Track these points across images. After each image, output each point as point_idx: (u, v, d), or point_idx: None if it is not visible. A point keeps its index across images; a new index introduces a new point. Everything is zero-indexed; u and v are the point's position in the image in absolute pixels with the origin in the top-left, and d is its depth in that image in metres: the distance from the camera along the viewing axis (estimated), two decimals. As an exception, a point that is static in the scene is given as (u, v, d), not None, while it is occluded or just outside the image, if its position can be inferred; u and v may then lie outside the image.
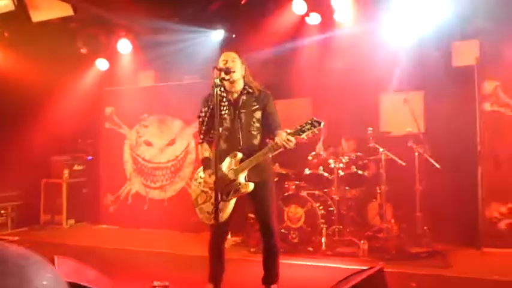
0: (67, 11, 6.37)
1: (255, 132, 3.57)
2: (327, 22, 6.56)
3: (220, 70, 3.42)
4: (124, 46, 7.31)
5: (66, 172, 7.83)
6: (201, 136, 3.67)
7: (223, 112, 3.55)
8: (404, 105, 5.69)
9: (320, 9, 6.45)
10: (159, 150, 7.42)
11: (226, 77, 3.47)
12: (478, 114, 5.74)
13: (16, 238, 6.75)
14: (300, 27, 6.64)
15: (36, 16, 6.22)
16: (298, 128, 3.26)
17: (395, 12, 6.15)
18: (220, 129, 3.52)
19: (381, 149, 5.49)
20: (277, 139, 3.32)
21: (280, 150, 3.38)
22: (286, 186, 5.77)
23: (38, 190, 7.84)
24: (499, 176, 5.52)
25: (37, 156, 7.42)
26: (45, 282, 0.56)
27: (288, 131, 3.30)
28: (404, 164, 5.46)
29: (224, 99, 3.58)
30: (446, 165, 5.45)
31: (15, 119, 7.16)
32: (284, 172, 6.01)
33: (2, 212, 7.21)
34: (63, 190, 7.70)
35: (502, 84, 5.66)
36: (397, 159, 5.49)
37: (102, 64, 7.70)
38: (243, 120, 3.56)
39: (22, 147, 7.09)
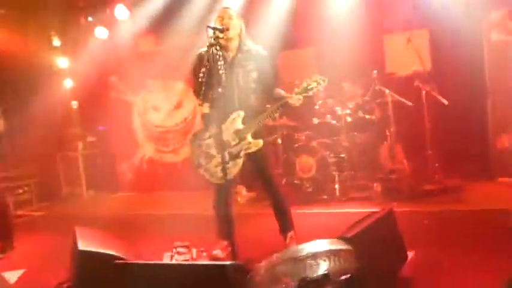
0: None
1: (250, 92, 3.57)
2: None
3: (214, 29, 3.34)
4: (122, 13, 7.23)
5: (80, 144, 7.99)
6: (200, 97, 3.65)
7: (220, 72, 3.52)
8: (409, 45, 5.58)
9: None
10: (167, 114, 7.49)
11: (221, 35, 3.41)
12: (486, 44, 5.62)
13: (41, 213, 6.99)
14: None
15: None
16: (305, 86, 3.36)
17: None
18: (219, 89, 3.51)
19: (387, 91, 5.44)
20: (290, 100, 3.41)
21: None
22: (296, 137, 5.81)
23: (55, 164, 8.03)
24: (509, 106, 5.47)
25: (49, 131, 7.53)
26: None
27: (296, 90, 3.41)
28: (410, 104, 5.43)
29: (220, 58, 3.53)
30: (454, 100, 5.39)
31: (20, 95, 7.22)
32: (292, 124, 6.04)
33: (26, 188, 7.37)
34: (80, 162, 7.87)
35: (510, 12, 5.49)
36: (403, 99, 5.45)
37: (101, 32, 7.62)
38: (239, 80, 3.54)
39: (34, 123, 7.17)
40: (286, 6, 6.64)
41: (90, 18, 7.62)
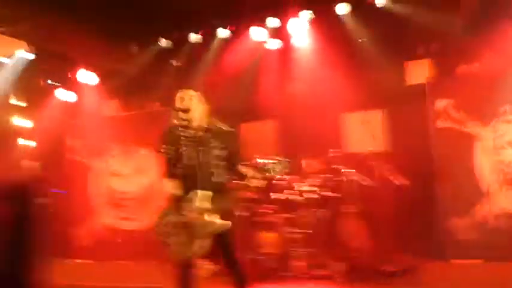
0: (22, 46, 6.34)
1: (213, 170, 3.62)
2: (286, 47, 6.77)
3: (177, 110, 3.51)
4: (85, 77, 7.29)
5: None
6: (166, 174, 3.67)
7: (182, 150, 3.61)
8: (364, 125, 5.95)
9: (279, 35, 6.65)
10: (127, 180, 7.43)
11: (184, 116, 3.55)
12: (433, 131, 6.08)
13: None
14: (261, 52, 6.82)
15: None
16: (265, 167, 3.43)
17: (349, 34, 6.43)
18: (179, 167, 3.60)
19: (345, 170, 5.70)
20: (250, 183, 3.49)
21: None
22: (255, 211, 5.90)
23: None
24: (457, 189, 5.86)
25: None
26: None
27: (257, 173, 3.47)
28: (367, 183, 5.71)
29: (183, 138, 3.63)
30: (408, 181, 5.73)
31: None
32: (254, 197, 6.13)
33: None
34: (31, 225, 7.57)
35: (453, 102, 6.00)
36: (360, 179, 5.72)
37: (64, 95, 7.62)
38: (200, 158, 3.61)
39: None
40: (248, 77, 6.96)
41: (49, 81, 7.61)
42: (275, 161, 3.49)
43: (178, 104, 3.58)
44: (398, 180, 5.60)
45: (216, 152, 3.64)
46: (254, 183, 3.47)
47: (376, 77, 6.44)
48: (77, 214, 7.71)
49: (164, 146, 3.63)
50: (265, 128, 7.27)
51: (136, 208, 7.37)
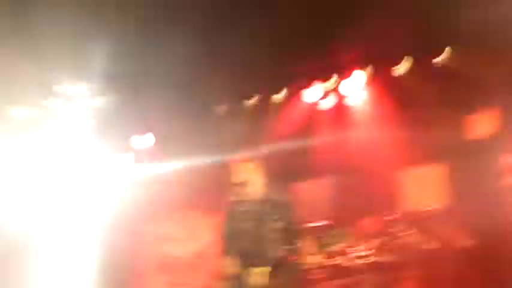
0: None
1: (274, 244, 3.51)
2: (341, 105, 6.71)
3: (236, 185, 3.51)
4: (143, 140, 7.52)
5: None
6: (226, 250, 3.64)
7: (242, 225, 3.55)
8: (424, 181, 5.60)
9: (333, 94, 6.63)
10: (181, 244, 7.36)
11: (241, 191, 3.54)
12: (501, 187, 5.59)
13: None
14: (315, 112, 6.79)
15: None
16: (323, 243, 3.30)
17: (405, 90, 6.23)
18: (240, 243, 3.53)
19: (404, 231, 5.35)
20: (308, 260, 3.33)
21: None
22: (309, 278, 5.59)
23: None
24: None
25: None
26: None
27: (313, 248, 3.30)
28: (429, 245, 5.29)
29: (244, 213, 3.58)
30: (474, 242, 5.25)
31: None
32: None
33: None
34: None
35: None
36: (421, 241, 5.33)
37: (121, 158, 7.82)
38: (262, 232, 3.53)
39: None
40: (302, 137, 6.88)
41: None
42: (332, 234, 3.36)
43: (234, 179, 3.57)
44: (463, 241, 5.12)
45: (276, 225, 3.55)
46: (312, 260, 3.33)
47: (434, 132, 6.12)
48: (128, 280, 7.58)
49: (228, 225, 3.64)
50: (319, 187, 7.04)
51: (190, 273, 7.21)
